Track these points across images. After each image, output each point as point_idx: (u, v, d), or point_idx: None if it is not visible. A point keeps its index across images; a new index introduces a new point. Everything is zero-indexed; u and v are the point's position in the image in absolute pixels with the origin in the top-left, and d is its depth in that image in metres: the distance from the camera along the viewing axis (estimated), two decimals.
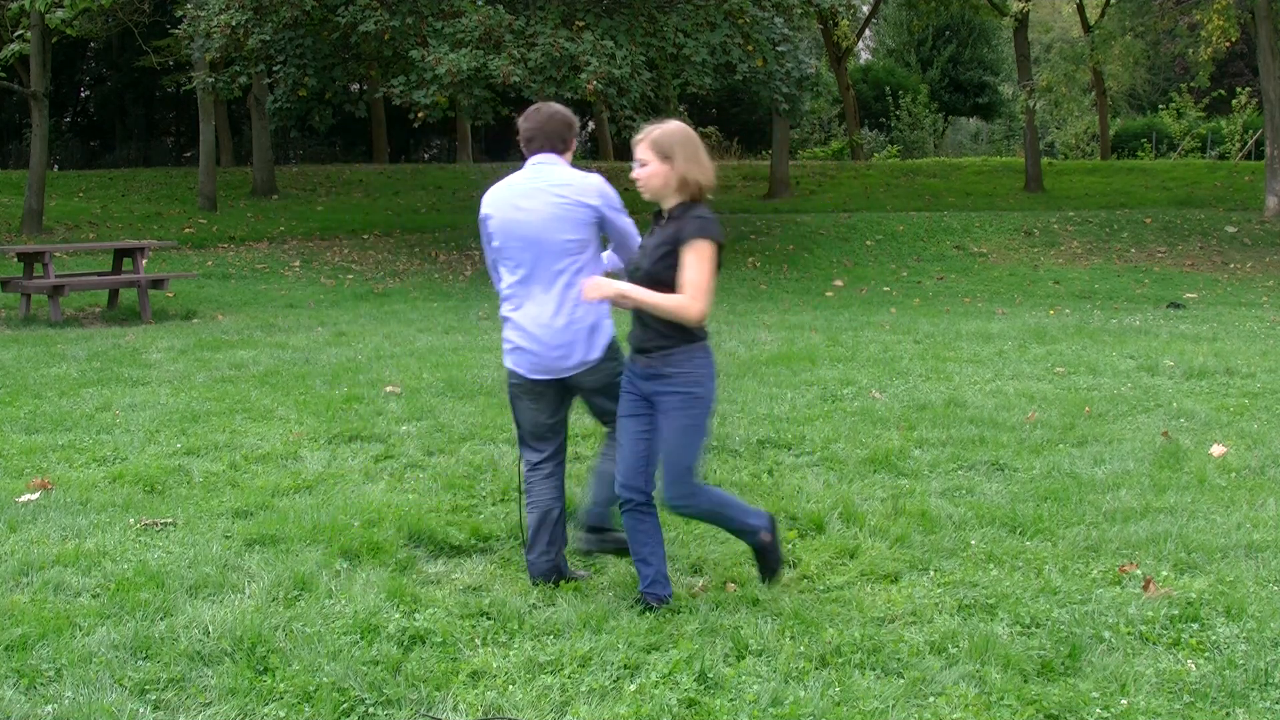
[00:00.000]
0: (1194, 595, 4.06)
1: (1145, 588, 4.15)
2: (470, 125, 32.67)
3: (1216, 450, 6.17)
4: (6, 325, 12.07)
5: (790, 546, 4.73)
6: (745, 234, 20.98)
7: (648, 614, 3.95)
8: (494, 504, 5.31)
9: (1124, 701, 3.32)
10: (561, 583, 4.28)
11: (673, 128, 3.97)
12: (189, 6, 18.70)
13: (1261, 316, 13.04)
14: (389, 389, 7.94)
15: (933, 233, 20.87)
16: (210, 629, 3.72)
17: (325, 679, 3.41)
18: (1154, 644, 3.73)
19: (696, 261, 3.85)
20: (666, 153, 3.91)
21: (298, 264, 18.04)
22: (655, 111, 18.51)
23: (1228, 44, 21.90)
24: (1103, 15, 29.82)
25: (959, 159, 34.37)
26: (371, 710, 3.30)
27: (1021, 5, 23.25)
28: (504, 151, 37.55)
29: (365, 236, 20.81)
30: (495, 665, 3.57)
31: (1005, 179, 27.34)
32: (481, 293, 15.89)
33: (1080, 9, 31.77)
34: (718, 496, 4.16)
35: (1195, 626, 3.84)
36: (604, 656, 3.59)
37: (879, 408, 7.37)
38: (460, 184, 27.50)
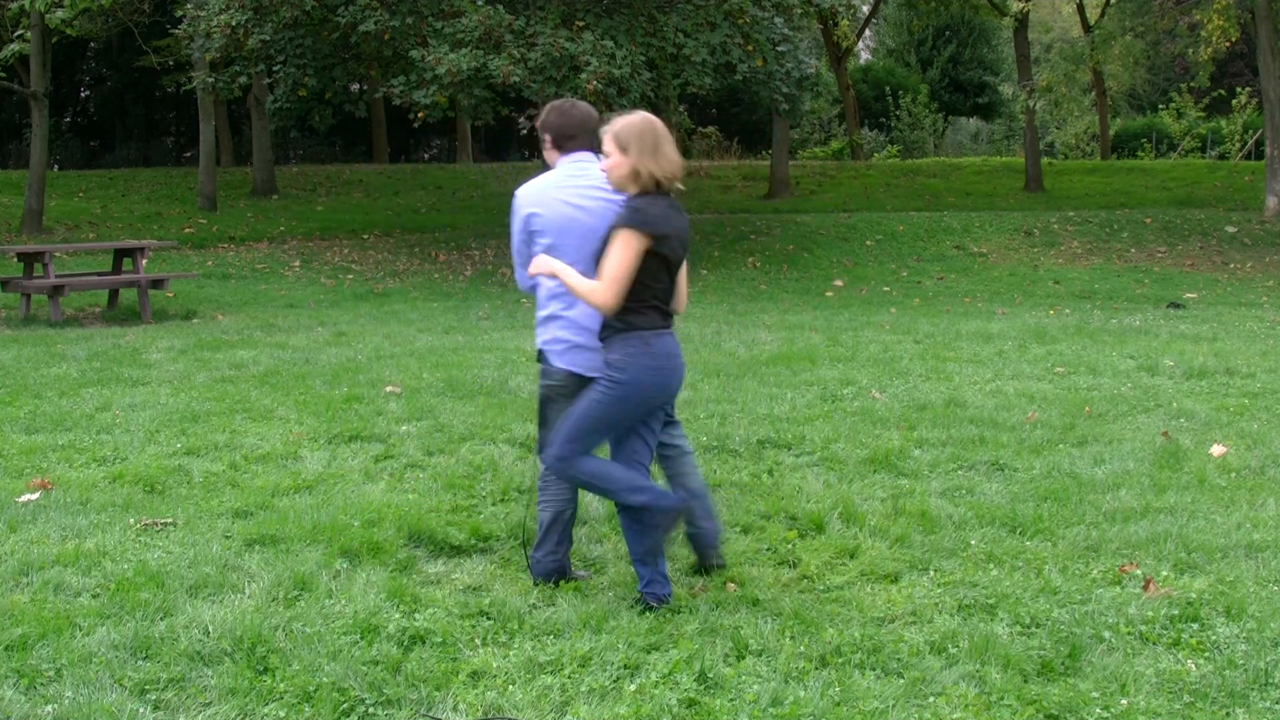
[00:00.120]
0: (1194, 595, 4.06)
1: (1145, 588, 4.15)
2: (470, 125, 32.67)
3: (1216, 450, 6.17)
4: (6, 325, 12.07)
5: (790, 546, 4.74)
6: (745, 234, 20.98)
7: (648, 614, 3.95)
8: (494, 504, 5.31)
9: (1124, 701, 3.32)
10: (562, 583, 4.28)
11: (632, 120, 3.96)
12: (189, 6, 18.70)
13: (1261, 316, 13.05)
14: (389, 389, 7.94)
15: (933, 233, 20.87)
16: (210, 629, 3.72)
17: (325, 679, 3.41)
18: (1154, 644, 3.73)
19: (615, 250, 3.88)
20: (623, 145, 3.93)
21: (298, 264, 18.05)
22: (655, 111, 18.50)
23: (1228, 44, 21.90)
24: (1103, 15, 29.82)
25: (959, 159, 34.37)
26: (371, 710, 3.30)
27: (1021, 5, 23.25)
28: (504, 151, 37.58)
29: (365, 236, 20.82)
30: (495, 665, 3.57)
31: (1005, 179, 27.34)
32: (481, 292, 15.90)
33: (1080, 9, 31.77)
34: (600, 470, 4.08)
35: (1195, 626, 3.83)
36: (604, 656, 3.59)
37: (879, 408, 7.37)
38: (460, 184, 27.50)
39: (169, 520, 4.96)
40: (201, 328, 11.85)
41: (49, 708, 3.26)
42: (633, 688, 3.40)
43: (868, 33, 43.87)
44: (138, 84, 34.21)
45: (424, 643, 3.72)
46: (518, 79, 15.91)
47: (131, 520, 4.94)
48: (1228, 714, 3.29)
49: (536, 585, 4.26)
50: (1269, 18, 20.52)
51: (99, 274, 13.58)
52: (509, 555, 4.64)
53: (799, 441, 6.44)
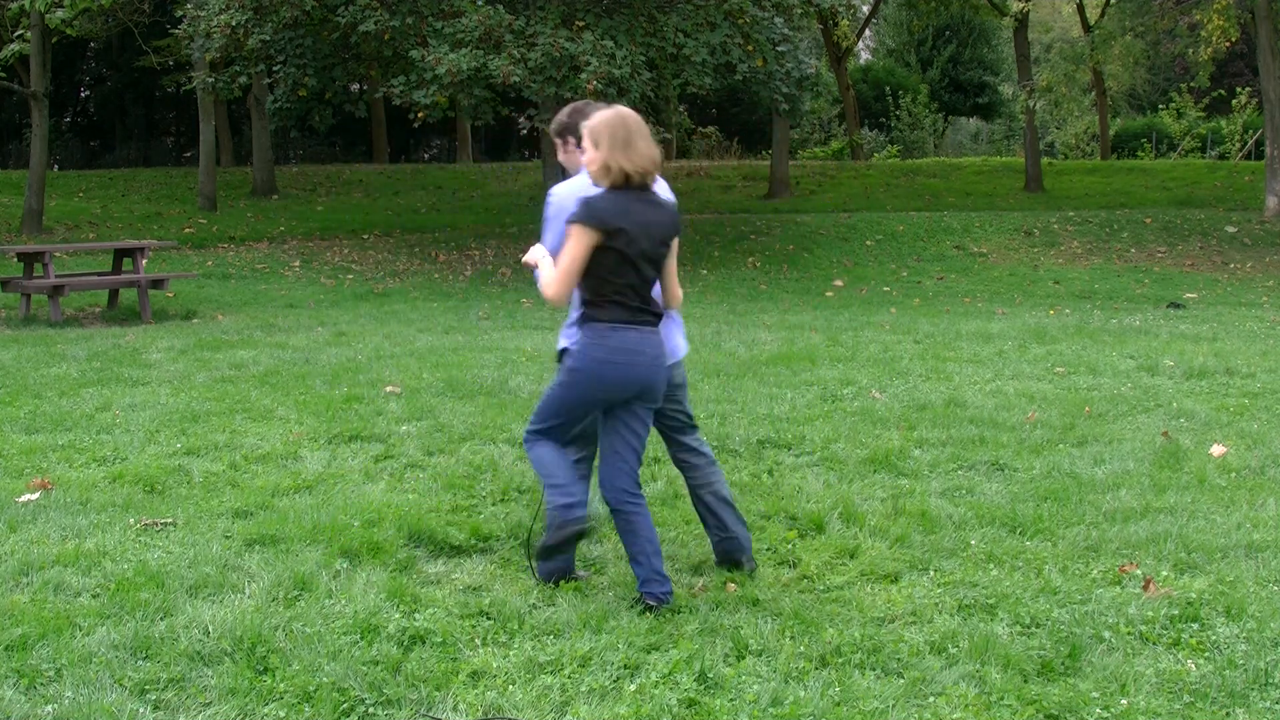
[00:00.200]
0: (1194, 595, 4.06)
1: (1145, 588, 4.15)
2: (470, 125, 32.67)
3: (1216, 450, 6.17)
4: (6, 325, 12.07)
5: (790, 546, 4.74)
6: (745, 234, 20.98)
7: (648, 614, 3.95)
8: (494, 504, 5.31)
9: (1124, 701, 3.32)
10: (562, 582, 4.28)
11: (604, 115, 3.97)
12: (189, 6, 18.71)
13: (1261, 316, 13.05)
14: (389, 389, 7.94)
15: (933, 233, 20.87)
16: (210, 629, 3.72)
17: (325, 679, 3.41)
18: (1154, 644, 3.73)
19: (565, 244, 3.94)
20: (596, 140, 3.95)
21: (298, 264, 18.05)
22: (655, 111, 18.53)
23: (1228, 44, 21.91)
24: (1103, 15, 29.83)
25: (959, 159, 34.37)
26: (371, 710, 3.30)
27: (1021, 5, 23.26)
28: (504, 151, 37.57)
29: (365, 236, 20.82)
30: (495, 665, 3.57)
31: (1005, 179, 27.34)
32: (481, 292, 15.90)
33: (1080, 9, 31.77)
34: (546, 458, 4.09)
35: (1195, 626, 3.83)
36: (604, 656, 3.59)
37: (879, 408, 7.37)
38: (460, 184, 27.51)
39: (169, 520, 4.96)
40: (201, 328, 11.85)
41: (49, 708, 3.26)
42: (633, 688, 3.40)
43: (868, 33, 43.88)
44: (138, 84, 34.22)
45: (424, 643, 3.72)
46: (518, 79, 15.91)
47: (131, 520, 4.93)
48: (1228, 714, 3.29)
49: (539, 585, 4.26)
50: (1269, 18, 20.52)
51: (99, 274, 13.58)
52: (509, 555, 4.64)
53: (799, 441, 6.44)
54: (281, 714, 3.27)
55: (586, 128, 3.99)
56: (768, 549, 4.71)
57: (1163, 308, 14.25)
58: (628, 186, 3.94)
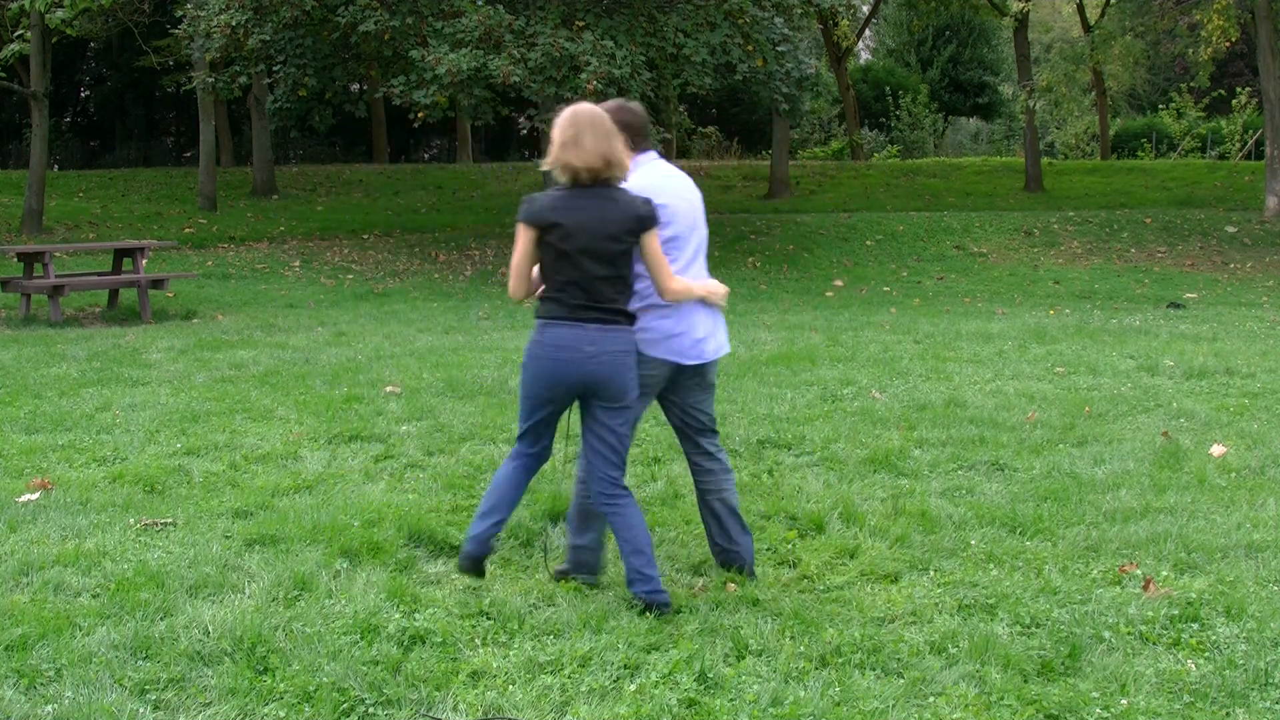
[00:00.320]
0: (1194, 595, 4.06)
1: (1145, 588, 4.15)
2: (470, 125, 32.67)
3: (1216, 450, 6.17)
4: (6, 325, 12.07)
5: (790, 546, 4.74)
6: (745, 234, 20.98)
7: (647, 614, 3.95)
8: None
9: (1124, 701, 3.32)
10: (562, 582, 4.28)
11: (564, 113, 3.98)
12: (189, 6, 18.71)
13: (1261, 316, 13.05)
14: (389, 389, 7.94)
15: (933, 233, 20.87)
16: (210, 629, 3.72)
17: (325, 679, 3.41)
18: (1154, 644, 3.73)
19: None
20: (553, 138, 3.99)
21: (298, 264, 18.05)
22: (655, 112, 18.53)
23: (1228, 44, 21.90)
24: (1103, 15, 29.82)
25: (959, 159, 34.37)
26: (371, 710, 3.30)
27: (1021, 5, 23.25)
28: (504, 151, 37.57)
29: (365, 236, 20.82)
30: (495, 665, 3.57)
31: (1005, 179, 27.34)
32: (481, 293, 15.90)
33: (1080, 9, 31.77)
34: (502, 475, 4.17)
35: (1195, 626, 3.84)
36: (604, 656, 3.59)
37: (879, 408, 7.37)
38: (460, 184, 27.50)
39: (169, 520, 4.96)
40: (201, 328, 11.85)
41: (49, 708, 3.26)
42: (633, 688, 3.40)
43: (868, 33, 43.88)
44: (138, 84, 34.21)
45: (424, 643, 3.72)
46: (518, 79, 15.91)
47: (131, 520, 4.94)
48: (1228, 714, 3.29)
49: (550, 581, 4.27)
50: (1269, 18, 20.52)
51: (99, 274, 13.58)
52: (509, 555, 4.64)
53: (799, 441, 6.44)
54: (281, 714, 3.27)
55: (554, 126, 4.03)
56: (768, 549, 4.71)
57: (1163, 308, 14.25)
58: (577, 184, 3.94)
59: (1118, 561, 4.47)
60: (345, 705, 3.30)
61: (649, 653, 3.64)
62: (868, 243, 20.36)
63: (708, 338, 4.25)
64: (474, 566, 4.15)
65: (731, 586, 4.26)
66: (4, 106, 33.28)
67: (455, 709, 3.33)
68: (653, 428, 6.76)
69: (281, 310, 13.71)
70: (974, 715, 3.26)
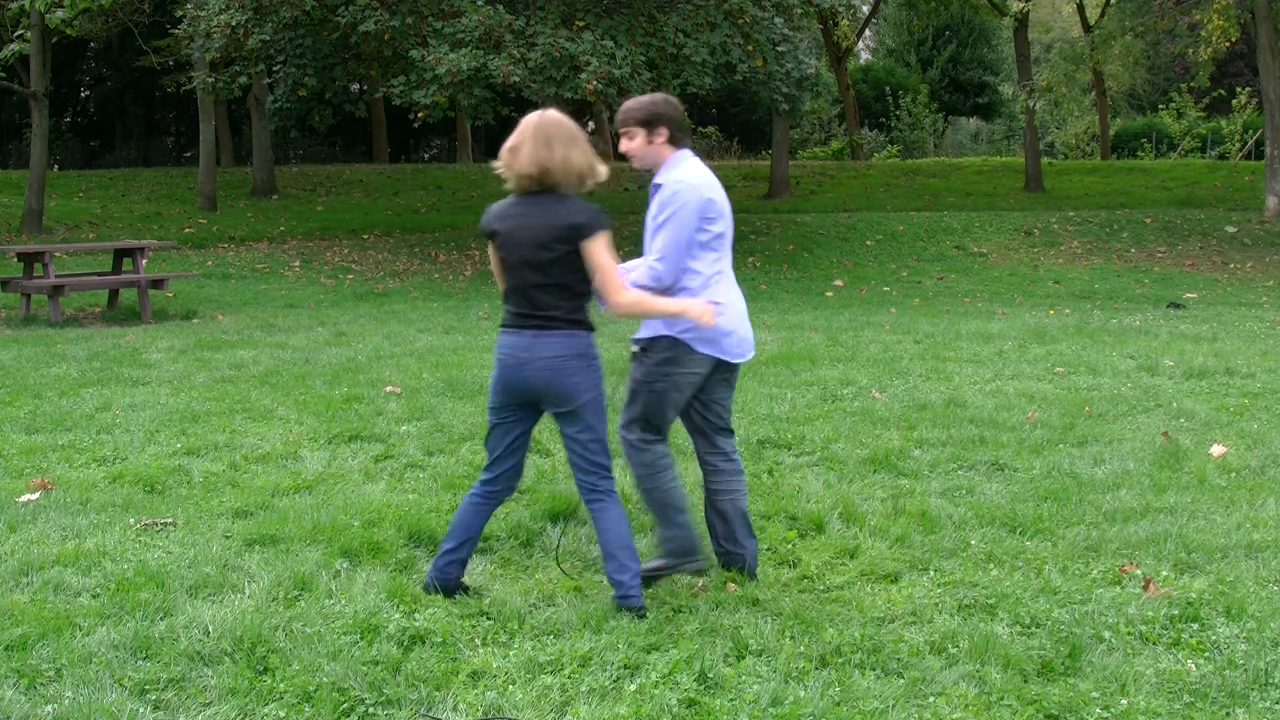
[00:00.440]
0: (1194, 595, 4.06)
1: (1145, 588, 4.15)
2: (470, 125, 32.69)
3: (1216, 450, 6.17)
4: (6, 325, 12.07)
5: (790, 546, 4.74)
6: (745, 234, 20.98)
7: (648, 614, 3.95)
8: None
9: (1124, 701, 3.32)
10: (563, 582, 4.28)
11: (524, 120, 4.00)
12: (189, 6, 18.71)
13: (1261, 316, 13.05)
14: (389, 389, 7.95)
15: (933, 233, 20.87)
16: (210, 629, 3.72)
17: (325, 679, 3.41)
18: (1154, 644, 3.73)
19: None
20: None
21: (298, 264, 18.05)
22: None
23: (1228, 44, 21.90)
24: (1103, 15, 29.84)
25: (959, 159, 34.38)
26: (371, 710, 3.30)
27: (1021, 5, 23.25)
28: None
29: (365, 236, 20.82)
30: (495, 665, 3.57)
31: (1005, 179, 27.35)
32: (481, 292, 15.90)
33: (1080, 9, 31.78)
34: (460, 510, 4.18)
35: (1195, 626, 3.83)
36: (604, 656, 3.59)
37: (879, 408, 7.37)
38: (460, 184, 27.50)
39: (169, 520, 4.96)
40: (201, 328, 11.85)
41: (49, 708, 3.26)
42: (633, 688, 3.40)
43: (868, 33, 43.89)
44: (138, 84, 34.22)
45: (424, 643, 3.72)
46: (518, 79, 15.91)
47: (131, 520, 4.94)
48: (1228, 714, 3.29)
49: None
50: (1269, 18, 20.52)
51: (99, 274, 13.58)
52: (509, 555, 4.64)
53: (799, 441, 6.44)
54: (281, 714, 3.27)
55: None
56: (768, 549, 4.71)
57: (1163, 308, 14.25)
58: (521, 191, 3.96)
59: (1118, 561, 4.47)
60: (345, 705, 3.30)
61: (649, 653, 3.64)
62: (868, 243, 20.36)
63: (749, 337, 4.32)
64: (440, 590, 4.13)
65: (731, 586, 4.26)
66: (4, 106, 33.30)
67: (455, 709, 3.33)
68: None
69: (281, 310, 13.71)
70: (974, 715, 3.26)
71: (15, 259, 13.36)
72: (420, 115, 16.91)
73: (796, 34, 20.96)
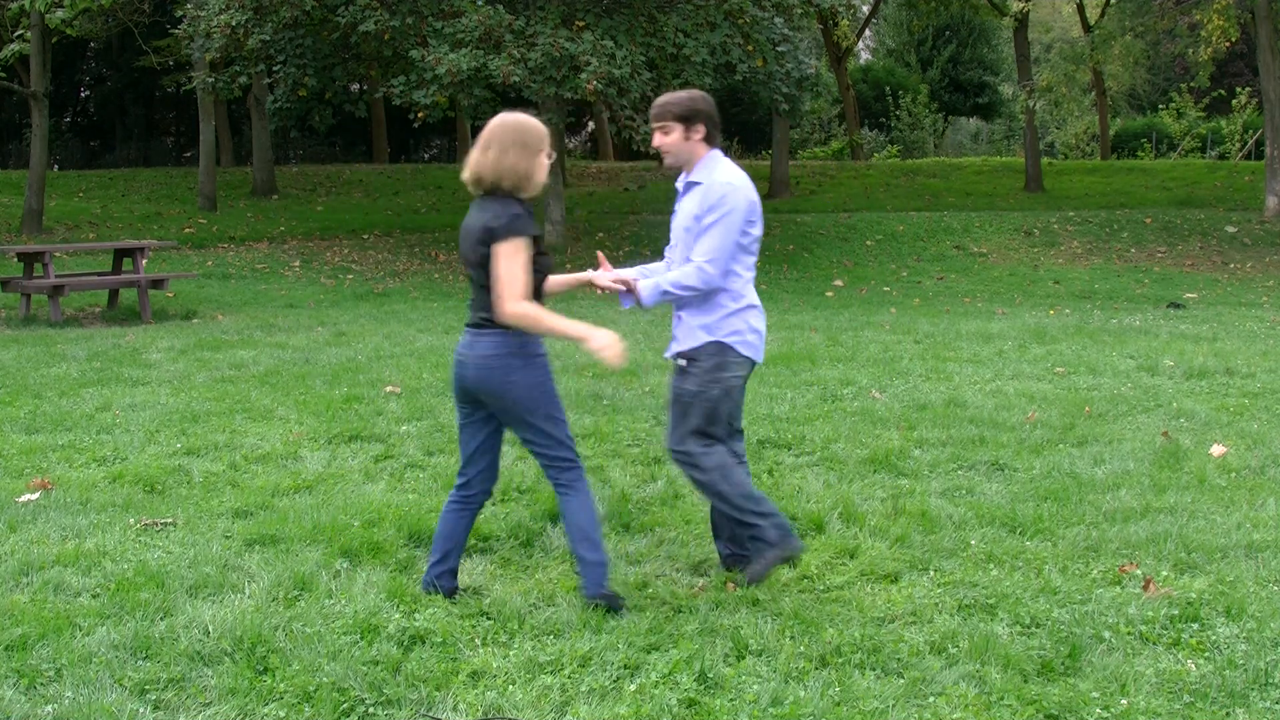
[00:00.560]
0: (1194, 595, 4.06)
1: (1145, 588, 4.15)
2: (470, 125, 32.64)
3: (1216, 450, 6.17)
4: (6, 325, 12.07)
5: None
6: None
7: (647, 614, 3.95)
8: (494, 504, 5.30)
9: (1124, 701, 3.32)
10: (564, 581, 4.28)
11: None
12: (189, 6, 18.71)
13: (1261, 316, 13.05)
14: (389, 389, 7.95)
15: (933, 233, 20.87)
16: (210, 629, 3.72)
17: (325, 679, 3.41)
18: (1154, 644, 3.73)
19: None
20: None
21: (298, 264, 18.05)
22: None
23: (1228, 44, 21.90)
24: (1103, 15, 29.84)
25: (959, 159, 34.38)
26: (371, 710, 3.30)
27: (1021, 5, 23.26)
28: None
29: (365, 236, 20.82)
30: (495, 665, 3.57)
31: (1005, 179, 27.35)
32: None
33: (1080, 9, 31.79)
34: (442, 520, 4.19)
35: (1195, 626, 3.83)
36: (604, 656, 3.59)
37: (879, 408, 7.37)
38: (460, 184, 27.36)
39: (169, 520, 4.96)
40: (201, 328, 11.85)
41: (49, 708, 3.26)
42: (633, 688, 3.40)
43: (868, 33, 43.89)
44: (138, 84, 34.21)
45: (424, 643, 3.72)
46: (518, 79, 15.91)
47: (131, 520, 4.94)
48: (1228, 714, 3.29)
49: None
50: (1269, 18, 20.52)
51: (99, 274, 13.58)
52: (509, 555, 4.64)
53: (799, 441, 6.44)
54: (281, 714, 3.27)
55: None
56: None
57: (1163, 308, 14.25)
58: (476, 193, 3.98)
59: (1118, 561, 4.47)
60: (345, 705, 3.30)
61: (649, 653, 3.64)
62: (868, 243, 20.36)
63: None
64: (440, 592, 4.14)
65: (731, 586, 4.26)
66: (4, 106, 33.30)
67: (455, 709, 3.33)
68: (653, 428, 6.76)
69: (281, 310, 13.71)
70: (974, 715, 3.26)
71: (15, 259, 13.37)
72: (420, 115, 16.91)
73: (796, 34, 20.97)
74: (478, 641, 3.76)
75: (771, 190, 25.99)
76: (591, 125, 38.23)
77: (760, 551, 4.18)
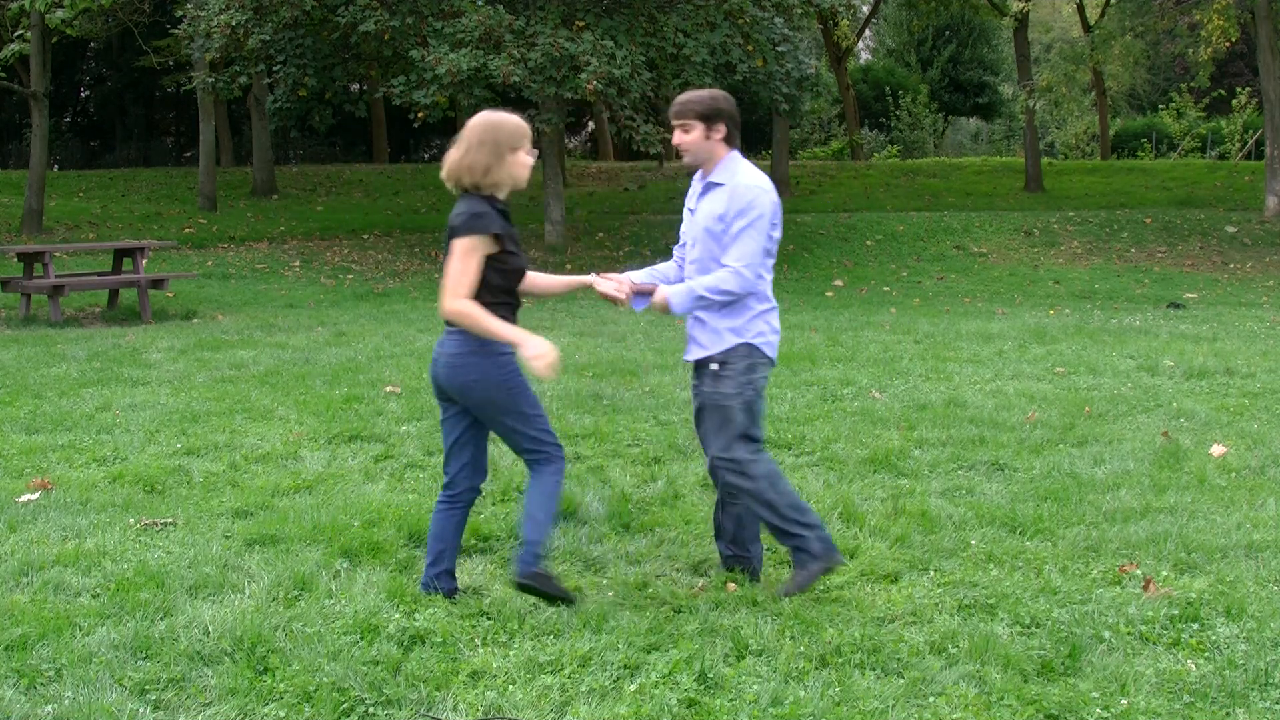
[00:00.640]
0: (1194, 595, 4.06)
1: (1145, 588, 4.15)
2: None
3: (1216, 450, 6.17)
4: (6, 325, 12.07)
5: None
6: None
7: (647, 614, 3.95)
8: (493, 504, 5.31)
9: (1124, 701, 3.32)
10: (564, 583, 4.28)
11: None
12: (189, 6, 18.71)
13: (1261, 316, 13.05)
14: (389, 389, 7.95)
15: (933, 233, 20.87)
16: (210, 629, 3.73)
17: (325, 679, 3.41)
18: (1154, 644, 3.73)
19: None
20: None
21: (298, 264, 18.05)
22: (655, 111, 18.53)
23: (1228, 44, 21.91)
24: (1103, 15, 29.84)
25: (959, 159, 34.39)
26: (371, 710, 3.30)
27: (1021, 5, 23.25)
28: None
29: (365, 236, 20.82)
30: (495, 665, 3.57)
31: (1005, 179, 27.35)
32: None
33: (1080, 9, 31.78)
34: (434, 523, 4.19)
35: (1195, 626, 3.83)
36: (604, 656, 3.59)
37: (879, 408, 7.37)
38: None
39: (169, 520, 4.96)
40: (201, 328, 11.85)
41: (49, 708, 3.26)
42: (633, 688, 3.40)
43: (868, 33, 43.89)
44: (138, 84, 34.21)
45: (424, 643, 3.72)
46: (518, 79, 15.91)
47: (131, 520, 4.94)
48: (1228, 714, 3.29)
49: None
50: (1269, 18, 20.52)
51: (99, 274, 13.58)
52: (509, 555, 4.63)
53: (799, 441, 6.44)
54: (281, 714, 3.27)
55: None
56: (768, 549, 4.70)
57: (1163, 308, 14.25)
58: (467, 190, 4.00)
59: (1118, 561, 4.47)
60: (345, 705, 3.30)
61: (649, 653, 3.64)
62: (868, 243, 20.36)
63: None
64: (439, 593, 4.15)
65: (731, 586, 4.26)
66: (4, 106, 33.30)
67: (455, 709, 3.33)
68: (652, 428, 6.76)
69: (281, 310, 13.71)
70: (974, 715, 3.26)
71: (15, 259, 13.36)
72: (420, 115, 16.91)
73: (796, 34, 20.97)
74: (478, 641, 3.76)
75: None
76: (591, 125, 38.23)
77: (803, 564, 4.15)
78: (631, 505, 5.21)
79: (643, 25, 17.56)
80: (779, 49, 18.89)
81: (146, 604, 3.95)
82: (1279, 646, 3.67)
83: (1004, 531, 4.87)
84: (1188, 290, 16.16)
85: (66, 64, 32.22)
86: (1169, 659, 3.62)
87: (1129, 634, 3.78)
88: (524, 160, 3.95)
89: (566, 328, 11.63)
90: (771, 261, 4.20)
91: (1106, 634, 3.76)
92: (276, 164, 28.02)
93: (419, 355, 9.68)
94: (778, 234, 4.19)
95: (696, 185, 4.28)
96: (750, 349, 4.13)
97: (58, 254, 13.95)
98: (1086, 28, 29.77)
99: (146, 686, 3.40)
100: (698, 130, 4.14)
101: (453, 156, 3.93)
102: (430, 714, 3.30)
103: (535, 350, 3.81)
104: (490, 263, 3.88)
